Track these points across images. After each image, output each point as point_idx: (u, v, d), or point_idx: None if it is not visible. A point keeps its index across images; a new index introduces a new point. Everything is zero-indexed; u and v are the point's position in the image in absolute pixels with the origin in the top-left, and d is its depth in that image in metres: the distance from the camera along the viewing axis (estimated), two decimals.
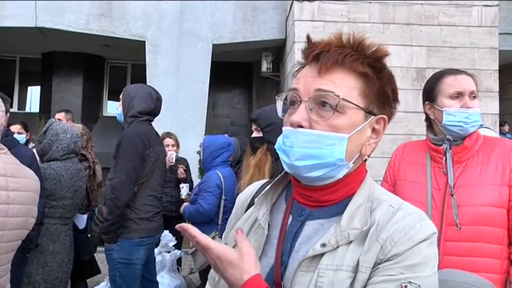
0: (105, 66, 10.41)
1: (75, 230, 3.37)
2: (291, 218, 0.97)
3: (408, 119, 5.50)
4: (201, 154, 3.56)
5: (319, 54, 0.91)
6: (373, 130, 0.94)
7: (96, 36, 7.58)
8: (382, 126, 0.95)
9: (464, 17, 5.91)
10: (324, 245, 0.87)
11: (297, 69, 0.99)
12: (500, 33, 6.13)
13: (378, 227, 0.88)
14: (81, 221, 3.53)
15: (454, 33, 5.88)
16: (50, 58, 9.69)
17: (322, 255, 0.87)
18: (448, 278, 1.52)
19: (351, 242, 0.87)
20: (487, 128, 2.78)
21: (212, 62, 7.61)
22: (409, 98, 5.46)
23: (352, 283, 0.84)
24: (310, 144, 0.88)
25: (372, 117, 0.92)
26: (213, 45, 7.57)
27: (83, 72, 9.77)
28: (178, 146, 5.13)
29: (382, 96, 0.93)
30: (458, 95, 1.84)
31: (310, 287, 0.86)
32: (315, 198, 0.94)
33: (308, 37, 0.99)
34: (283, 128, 0.93)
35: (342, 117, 0.88)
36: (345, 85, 0.89)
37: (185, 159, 5.19)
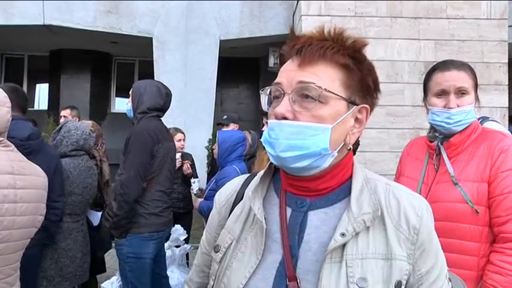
0: (112, 63, 10.44)
1: (89, 226, 3.39)
2: (289, 210, 0.96)
3: (416, 113, 5.46)
4: (217, 149, 3.55)
5: (301, 48, 0.93)
6: (356, 119, 0.96)
7: (103, 33, 7.60)
8: (365, 116, 0.98)
9: (473, 9, 5.84)
10: (343, 235, 0.87)
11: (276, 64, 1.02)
12: (510, 26, 6.06)
13: (390, 210, 0.92)
14: (95, 217, 3.55)
15: (462, 26, 5.82)
16: (58, 56, 9.74)
17: (344, 244, 0.88)
18: None
19: (368, 228, 0.89)
20: (494, 121, 2.74)
21: (219, 58, 7.61)
22: (417, 92, 5.42)
23: (387, 269, 0.87)
24: (294, 136, 0.89)
25: (354, 107, 0.94)
26: (220, 41, 7.56)
27: (91, 69, 9.82)
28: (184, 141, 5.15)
29: (363, 86, 0.96)
30: (442, 93, 1.80)
31: (341, 278, 0.86)
32: (312, 188, 0.95)
33: (292, 31, 1.01)
34: (268, 121, 0.95)
35: (324, 108, 0.90)
36: (326, 76, 0.91)
37: (189, 154, 5.20)
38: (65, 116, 4.97)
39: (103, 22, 7.48)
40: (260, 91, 1.00)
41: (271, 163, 1.04)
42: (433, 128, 1.92)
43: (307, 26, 5.87)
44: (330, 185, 0.96)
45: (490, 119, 2.77)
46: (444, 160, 1.80)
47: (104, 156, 4.03)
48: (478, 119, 2.74)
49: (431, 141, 1.89)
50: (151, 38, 7.51)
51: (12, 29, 7.55)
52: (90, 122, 4.10)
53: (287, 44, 0.98)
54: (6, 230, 1.87)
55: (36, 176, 2.08)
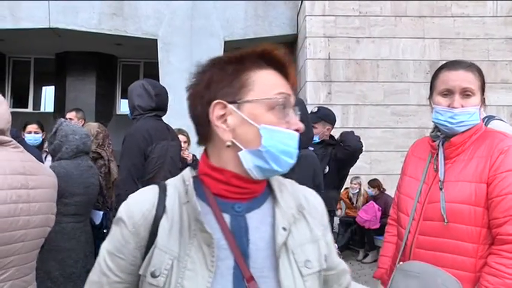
0: (117, 65, 10.49)
1: (92, 226, 3.39)
2: (227, 216, 0.98)
3: (422, 113, 5.44)
4: None
5: (281, 62, 1.02)
6: None
7: (108, 35, 7.64)
8: None
9: (478, 7, 5.82)
10: (284, 229, 0.99)
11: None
12: None
13: (304, 205, 1.07)
14: (97, 216, 3.55)
15: (468, 24, 5.80)
16: (64, 58, 9.80)
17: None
18: (411, 269, 1.67)
19: (295, 220, 1.03)
20: (500, 120, 2.71)
21: None
22: (422, 91, 5.40)
23: (317, 249, 1.04)
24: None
25: None
26: (225, 42, 7.57)
27: (96, 71, 9.87)
28: (189, 142, 5.13)
29: None
30: (448, 93, 1.77)
31: (292, 265, 0.98)
32: (251, 190, 1.01)
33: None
34: (290, 132, 0.99)
35: None
36: None
37: (193, 155, 5.19)
38: (70, 119, 4.99)
39: (108, 24, 7.51)
40: (276, 95, 1.00)
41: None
42: (436, 128, 1.91)
43: (312, 26, 5.87)
44: (263, 187, 1.04)
45: (495, 117, 2.74)
46: (440, 160, 1.79)
47: (111, 156, 4.07)
48: (484, 118, 2.71)
49: (433, 141, 1.87)
50: (156, 40, 7.53)
51: (19, 32, 7.61)
52: (95, 124, 4.13)
53: (264, 55, 1.02)
54: (22, 230, 1.90)
55: (46, 176, 2.10)
